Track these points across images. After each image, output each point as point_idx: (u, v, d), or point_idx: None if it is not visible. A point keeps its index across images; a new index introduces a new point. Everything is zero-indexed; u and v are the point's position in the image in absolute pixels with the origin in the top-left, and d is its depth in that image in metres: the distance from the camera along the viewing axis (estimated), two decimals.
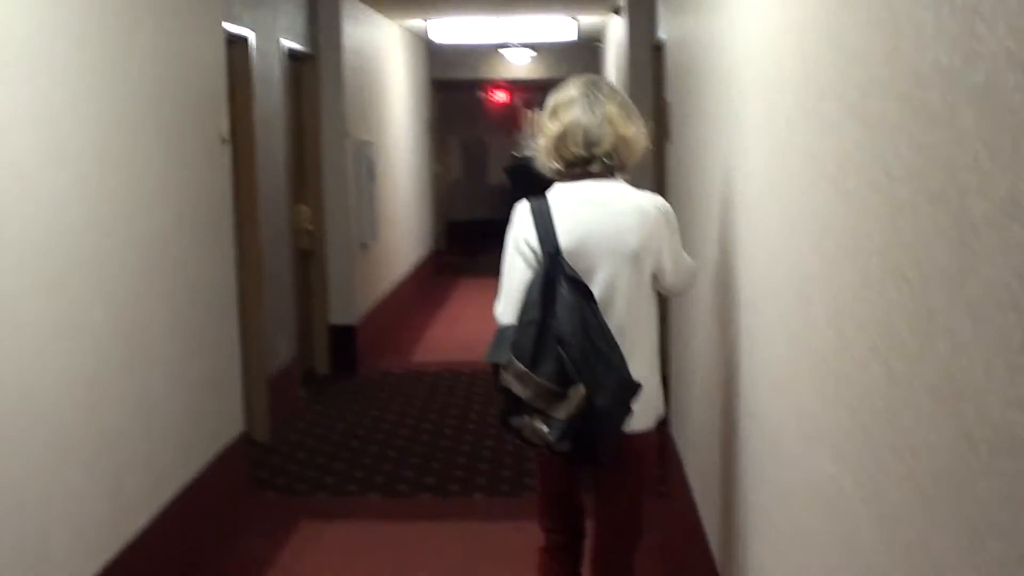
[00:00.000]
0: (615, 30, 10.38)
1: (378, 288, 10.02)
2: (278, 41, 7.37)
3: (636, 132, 3.28)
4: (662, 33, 6.78)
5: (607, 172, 3.26)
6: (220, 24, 5.58)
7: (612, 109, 3.24)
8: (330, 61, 8.58)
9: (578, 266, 3.15)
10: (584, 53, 14.97)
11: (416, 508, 5.71)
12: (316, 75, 8.47)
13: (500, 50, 15.03)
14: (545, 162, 3.33)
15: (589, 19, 11.44)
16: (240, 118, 6.60)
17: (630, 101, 3.35)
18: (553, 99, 3.35)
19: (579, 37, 11.84)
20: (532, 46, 14.47)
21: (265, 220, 6.94)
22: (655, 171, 8.15)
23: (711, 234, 4.02)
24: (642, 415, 3.23)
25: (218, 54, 5.53)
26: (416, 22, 11.85)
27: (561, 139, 3.26)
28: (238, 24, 6.44)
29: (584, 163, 3.25)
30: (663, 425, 4.08)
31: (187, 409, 4.92)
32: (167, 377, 4.68)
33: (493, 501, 5.74)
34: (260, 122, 6.85)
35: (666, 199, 3.55)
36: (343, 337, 8.71)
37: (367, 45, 9.82)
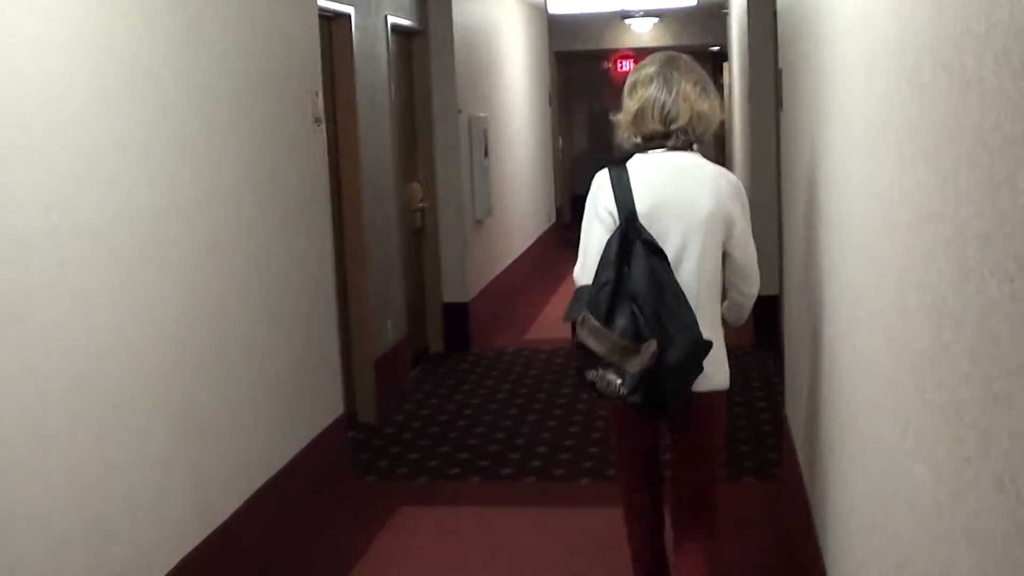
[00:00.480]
0: None
1: (493, 264, 9.88)
2: (384, 16, 7.24)
3: (710, 107, 3.46)
4: None
5: (683, 145, 3.43)
6: (314, 1, 5.44)
7: (687, 87, 3.41)
8: (440, 36, 8.43)
9: (653, 230, 3.30)
10: (708, 19, 14.62)
11: (520, 492, 5.55)
12: (426, 51, 8.33)
13: (624, 20, 14.72)
14: (625, 136, 3.51)
15: None
16: (341, 97, 6.49)
17: (706, 76, 3.51)
18: (632, 76, 3.52)
19: (700, 2, 11.48)
20: (655, 13, 14.13)
21: (372, 200, 6.83)
22: (776, 141, 7.84)
23: (800, 210, 3.76)
24: (712, 375, 3.37)
25: (311, 31, 5.39)
26: None
27: (640, 115, 3.43)
28: (338, 1, 6.31)
29: (662, 137, 3.42)
30: (779, 406, 4.09)
31: (279, 395, 4.83)
32: (256, 364, 4.59)
33: (599, 487, 5.54)
34: (365, 100, 6.73)
35: (779, 170, 3.54)
36: (456, 315, 8.59)
37: (480, 19, 9.65)
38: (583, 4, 11.85)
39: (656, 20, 14.78)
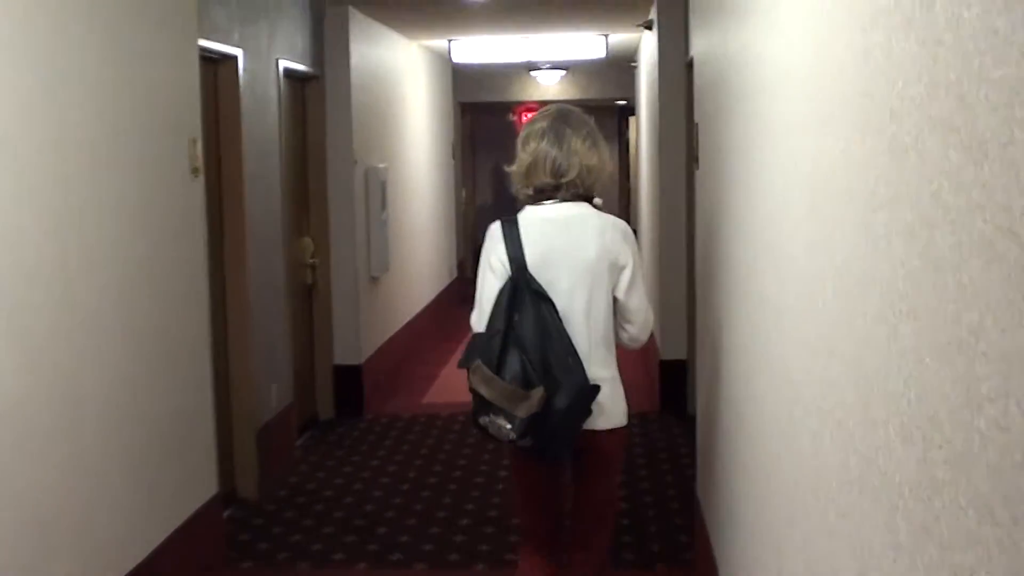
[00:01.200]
0: (647, 47, 9.75)
1: (389, 323, 9.40)
2: (275, 60, 6.78)
3: (599, 160, 3.59)
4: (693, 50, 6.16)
5: (572, 196, 3.56)
6: (194, 41, 4.96)
7: (577, 141, 3.54)
8: (336, 82, 7.98)
9: (543, 278, 3.46)
10: (616, 72, 14.39)
11: None
12: (321, 97, 7.88)
13: (530, 72, 14.41)
14: (518, 187, 3.64)
15: (620, 37, 10.82)
16: (226, 145, 6.01)
17: (596, 130, 3.63)
18: (525, 129, 3.63)
19: (608, 55, 11.19)
20: (561, 65, 13.84)
21: (258, 255, 6.34)
22: (687, 197, 7.52)
23: (740, 277, 3.38)
24: (610, 412, 3.56)
25: (191, 74, 4.92)
26: (438, 42, 11.26)
27: (532, 168, 3.56)
28: (225, 42, 5.84)
29: (553, 189, 3.55)
30: (688, 480, 4.46)
31: (142, 475, 4.31)
32: (115, 440, 4.06)
33: (497, 574, 5.08)
34: (253, 149, 6.26)
35: (695, 228, 3.79)
36: (348, 378, 8.09)
37: (380, 65, 9.23)
38: (488, 54, 11.44)
39: (563, 73, 14.49)
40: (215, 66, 5.92)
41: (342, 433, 7.63)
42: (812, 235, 2.18)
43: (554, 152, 3.51)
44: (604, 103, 16.93)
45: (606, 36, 10.67)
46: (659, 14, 7.90)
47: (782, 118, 2.58)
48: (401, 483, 6.44)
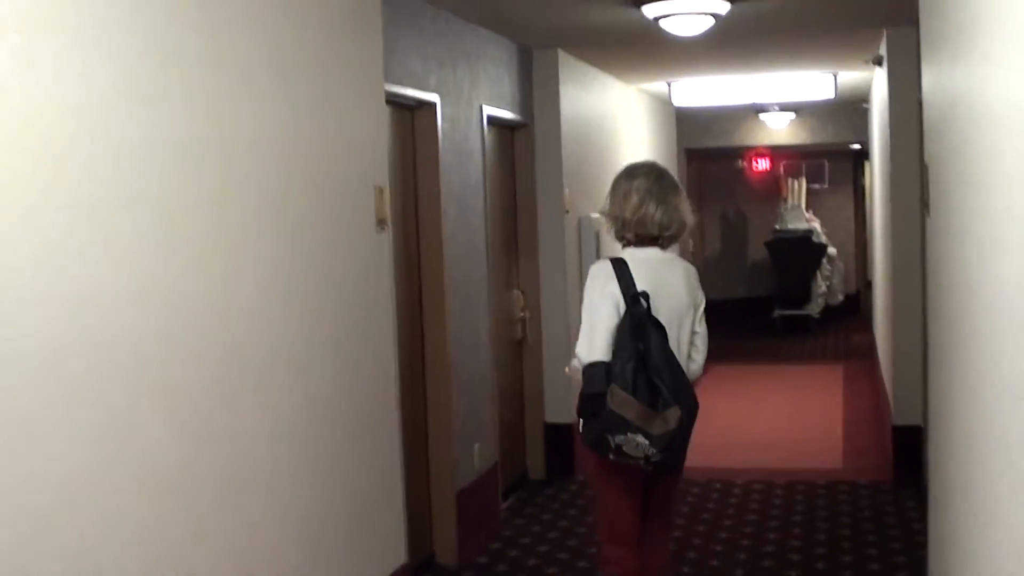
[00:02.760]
0: (878, 86, 9.15)
1: None
2: (478, 107, 6.55)
3: (691, 216, 4.24)
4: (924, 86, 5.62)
5: (666, 243, 4.21)
6: (380, 87, 4.74)
7: (677, 201, 4.19)
8: (546, 129, 7.71)
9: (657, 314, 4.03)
10: (848, 114, 13.71)
11: None
12: (530, 145, 7.62)
13: (758, 114, 13.88)
14: (620, 232, 4.24)
15: (850, 75, 10.23)
16: (424, 195, 5.80)
17: (681, 187, 4.30)
18: (624, 185, 4.25)
19: (838, 95, 10.61)
20: (790, 107, 13.26)
21: (460, 309, 6.09)
22: (921, 247, 6.91)
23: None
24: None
25: (377, 119, 4.70)
26: (657, 85, 10.90)
27: (640, 222, 4.16)
28: (421, 88, 5.63)
29: (653, 239, 4.19)
30: (921, 562, 4.61)
31: (321, 549, 4.05)
32: (292, 510, 3.82)
33: None
34: (453, 199, 6.03)
35: (926, 281, 4.29)
36: (560, 437, 7.74)
37: (594, 111, 8.92)
38: (711, 96, 11.01)
39: (792, 116, 13.89)
40: (411, 113, 5.72)
41: (551, 495, 7.28)
42: None
43: (660, 212, 4.13)
44: (837, 147, 16.20)
45: (835, 75, 10.11)
46: (888, 49, 7.33)
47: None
48: None
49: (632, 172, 4.28)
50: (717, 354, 13.94)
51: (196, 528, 3.26)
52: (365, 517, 4.47)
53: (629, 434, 3.84)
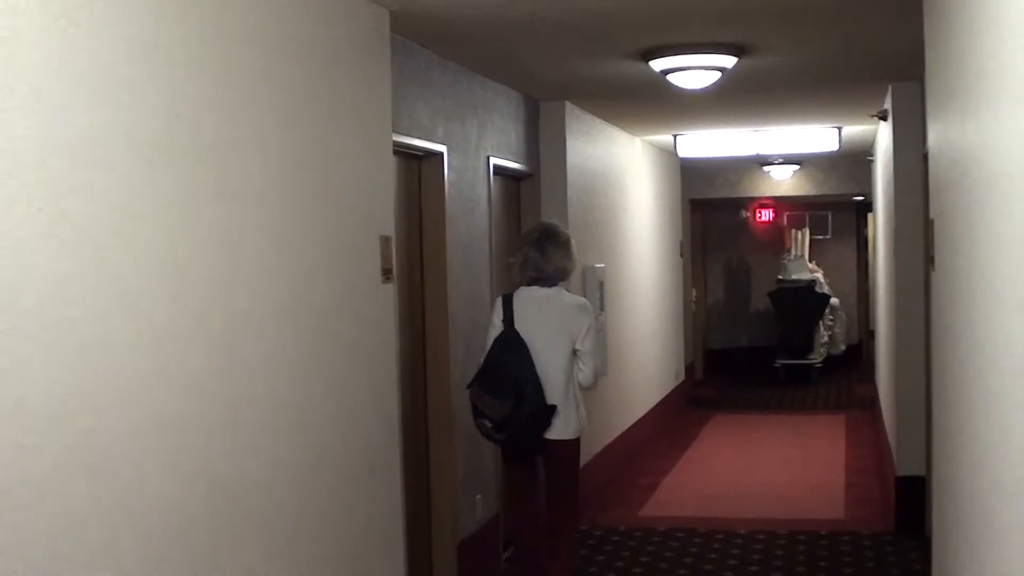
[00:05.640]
0: (883, 139, 9.19)
1: (608, 429, 9.01)
2: (485, 157, 6.59)
3: (567, 262, 5.48)
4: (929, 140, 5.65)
5: (549, 283, 5.43)
6: (387, 136, 4.77)
7: (553, 252, 5.42)
8: (552, 180, 7.75)
9: (526, 334, 5.29)
10: (851, 166, 13.78)
11: None
12: (535, 196, 7.65)
13: (762, 167, 13.93)
14: (517, 274, 5.50)
15: (854, 129, 10.28)
16: (430, 246, 5.82)
17: (568, 240, 5.52)
18: (521, 238, 5.72)
19: (842, 148, 10.65)
20: (794, 159, 13.31)
21: (464, 359, 6.08)
22: (925, 300, 6.92)
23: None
24: (562, 429, 5.34)
25: (383, 167, 4.72)
26: (663, 137, 10.95)
27: (523, 265, 5.45)
28: (428, 139, 5.67)
29: (535, 280, 5.43)
30: None
31: None
32: (284, 563, 3.80)
33: None
34: (459, 249, 6.05)
35: (930, 334, 4.43)
36: None
37: (600, 162, 8.96)
38: (715, 148, 11.06)
39: (796, 167, 13.94)
40: (418, 163, 5.75)
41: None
42: None
43: (537, 257, 5.40)
44: (840, 199, 16.24)
45: (839, 128, 10.16)
46: (893, 103, 7.38)
47: None
48: None
49: (525, 233, 5.72)
50: (720, 401, 14.00)
51: None
52: (365, 566, 4.45)
53: (479, 419, 5.30)
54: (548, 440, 5.28)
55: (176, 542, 3.14)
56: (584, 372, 5.39)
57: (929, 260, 4.67)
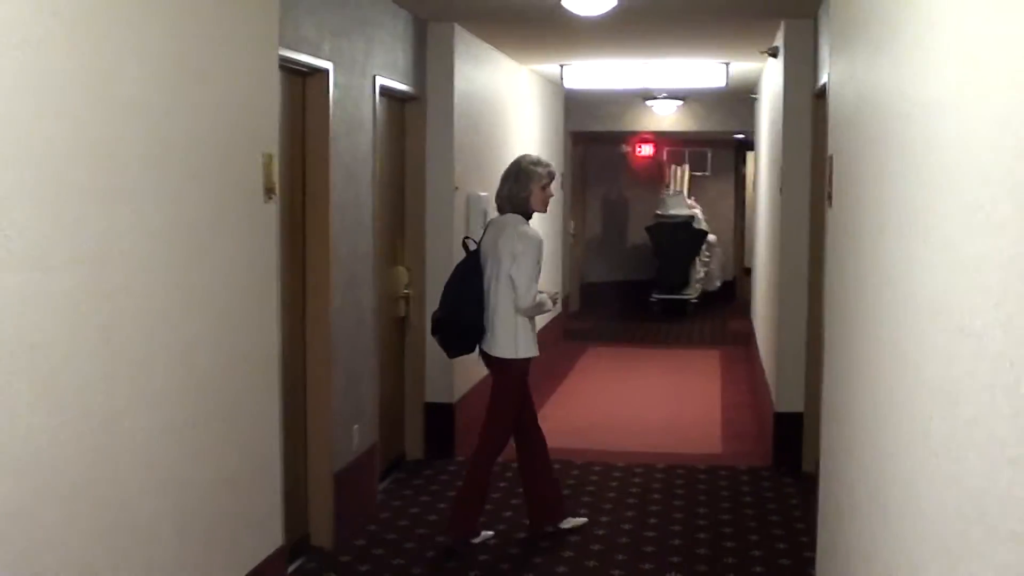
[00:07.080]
0: (770, 77, 9.17)
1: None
2: (372, 77, 6.36)
3: (518, 189, 5.82)
4: (825, 77, 5.60)
5: (503, 211, 5.88)
6: (274, 51, 4.54)
7: (505, 180, 5.89)
8: (439, 104, 7.55)
9: (484, 255, 5.82)
10: (735, 104, 13.81)
11: None
12: (421, 119, 7.45)
13: (646, 101, 13.88)
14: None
15: (742, 66, 10.25)
16: (313, 165, 5.60)
17: (531, 172, 5.82)
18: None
19: (728, 84, 10.62)
20: (678, 95, 13.28)
21: (344, 285, 5.91)
22: (809, 239, 6.94)
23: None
24: (500, 345, 5.78)
25: (269, 84, 4.50)
26: (550, 67, 10.79)
27: (498, 195, 5.94)
28: (314, 55, 5.43)
29: (499, 207, 5.93)
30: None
31: (195, 533, 3.85)
32: (162, 499, 3.61)
33: None
34: (342, 170, 5.84)
35: (823, 272, 4.34)
36: (440, 417, 7.63)
37: (487, 88, 8.78)
38: (601, 80, 10.94)
39: (680, 103, 13.92)
40: (303, 79, 5.51)
41: (430, 476, 7.16)
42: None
43: (499, 186, 5.89)
44: (722, 136, 16.32)
45: (727, 64, 10.11)
46: (786, 40, 7.33)
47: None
48: (489, 532, 5.93)
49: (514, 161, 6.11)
50: (596, 334, 14.02)
51: (68, 507, 3.05)
52: (241, 497, 4.29)
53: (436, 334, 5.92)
54: (490, 356, 5.78)
55: (47, 471, 2.93)
56: (515, 296, 5.67)
57: (826, 197, 4.63)
